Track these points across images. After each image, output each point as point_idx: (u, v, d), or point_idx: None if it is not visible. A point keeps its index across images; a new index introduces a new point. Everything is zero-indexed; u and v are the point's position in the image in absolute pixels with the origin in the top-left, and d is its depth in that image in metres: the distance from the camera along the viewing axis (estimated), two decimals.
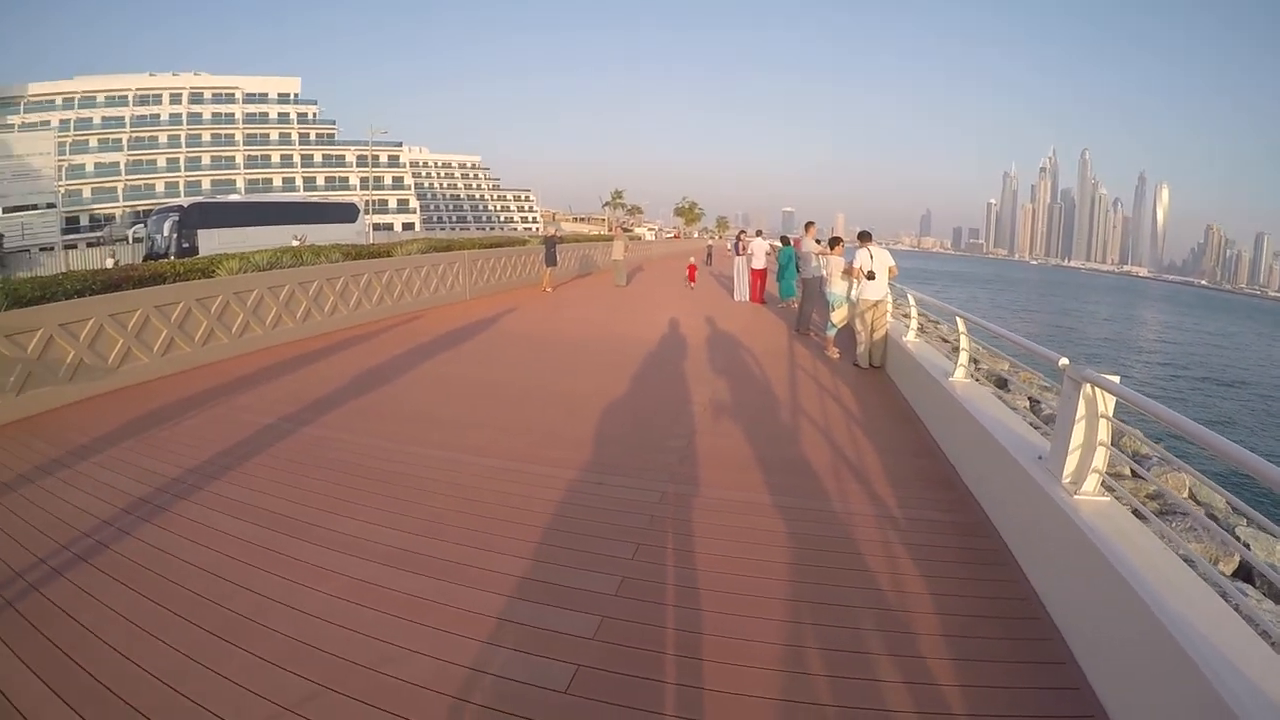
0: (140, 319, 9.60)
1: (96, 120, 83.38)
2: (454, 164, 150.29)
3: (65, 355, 8.53)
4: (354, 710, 3.28)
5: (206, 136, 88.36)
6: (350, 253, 16.33)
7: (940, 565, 4.85)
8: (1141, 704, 3.22)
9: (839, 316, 12.62)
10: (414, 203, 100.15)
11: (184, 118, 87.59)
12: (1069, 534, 4.10)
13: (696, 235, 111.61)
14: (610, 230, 56.44)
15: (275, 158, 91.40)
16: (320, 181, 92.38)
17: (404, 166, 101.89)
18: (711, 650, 3.77)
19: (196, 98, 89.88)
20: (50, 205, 53.08)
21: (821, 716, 3.33)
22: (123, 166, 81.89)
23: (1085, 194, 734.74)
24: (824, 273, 13.80)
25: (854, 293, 11.76)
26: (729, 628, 3.99)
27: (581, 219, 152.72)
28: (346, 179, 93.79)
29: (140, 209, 71.69)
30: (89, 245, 55.20)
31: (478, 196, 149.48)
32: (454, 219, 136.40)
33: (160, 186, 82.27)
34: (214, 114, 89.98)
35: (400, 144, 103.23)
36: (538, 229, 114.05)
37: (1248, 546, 9.65)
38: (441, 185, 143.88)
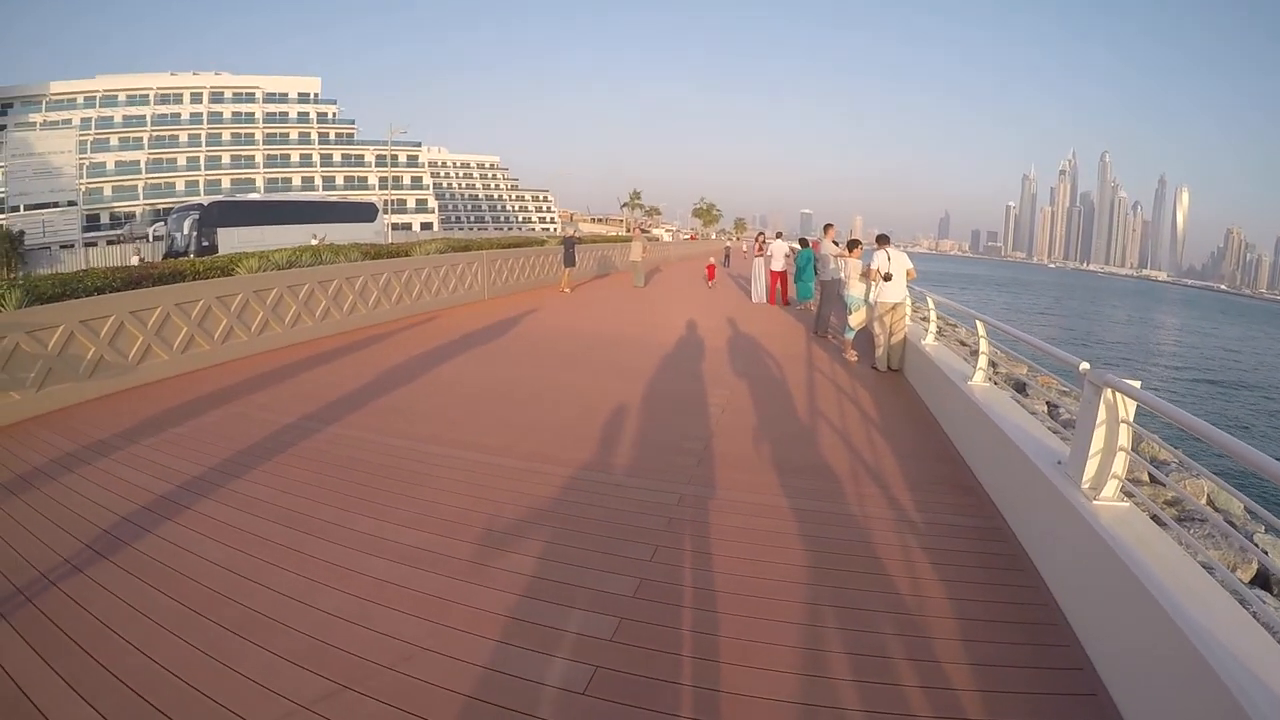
0: (160, 316, 9.66)
1: (118, 119, 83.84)
2: (473, 164, 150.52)
3: (85, 352, 8.59)
4: (371, 709, 3.29)
5: (227, 136, 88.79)
6: (369, 252, 16.38)
7: (958, 570, 4.83)
8: (1159, 711, 3.20)
9: (857, 319, 12.58)
10: (432, 203, 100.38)
11: (204, 117, 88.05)
12: (1088, 540, 4.08)
13: (714, 236, 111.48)
14: (629, 231, 56.48)
15: (295, 157, 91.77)
16: (339, 181, 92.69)
17: (423, 166, 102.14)
18: (729, 653, 3.77)
19: (217, 97, 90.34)
20: (71, 203, 53.55)
21: None
22: (143, 165, 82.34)
23: (1105, 197, 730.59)
24: (842, 275, 13.76)
25: (872, 295, 11.72)
26: (747, 631, 3.98)
27: (599, 220, 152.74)
28: (365, 179, 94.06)
29: (160, 207, 72.19)
30: (109, 243, 55.61)
31: (496, 197, 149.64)
32: (472, 219, 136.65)
33: (180, 185, 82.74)
34: (234, 113, 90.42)
35: (419, 144, 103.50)
36: (556, 230, 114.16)
37: (1266, 553, 9.58)
38: (460, 185, 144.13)
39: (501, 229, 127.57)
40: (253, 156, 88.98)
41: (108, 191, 79.86)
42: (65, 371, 8.33)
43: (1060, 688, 3.64)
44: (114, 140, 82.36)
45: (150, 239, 44.93)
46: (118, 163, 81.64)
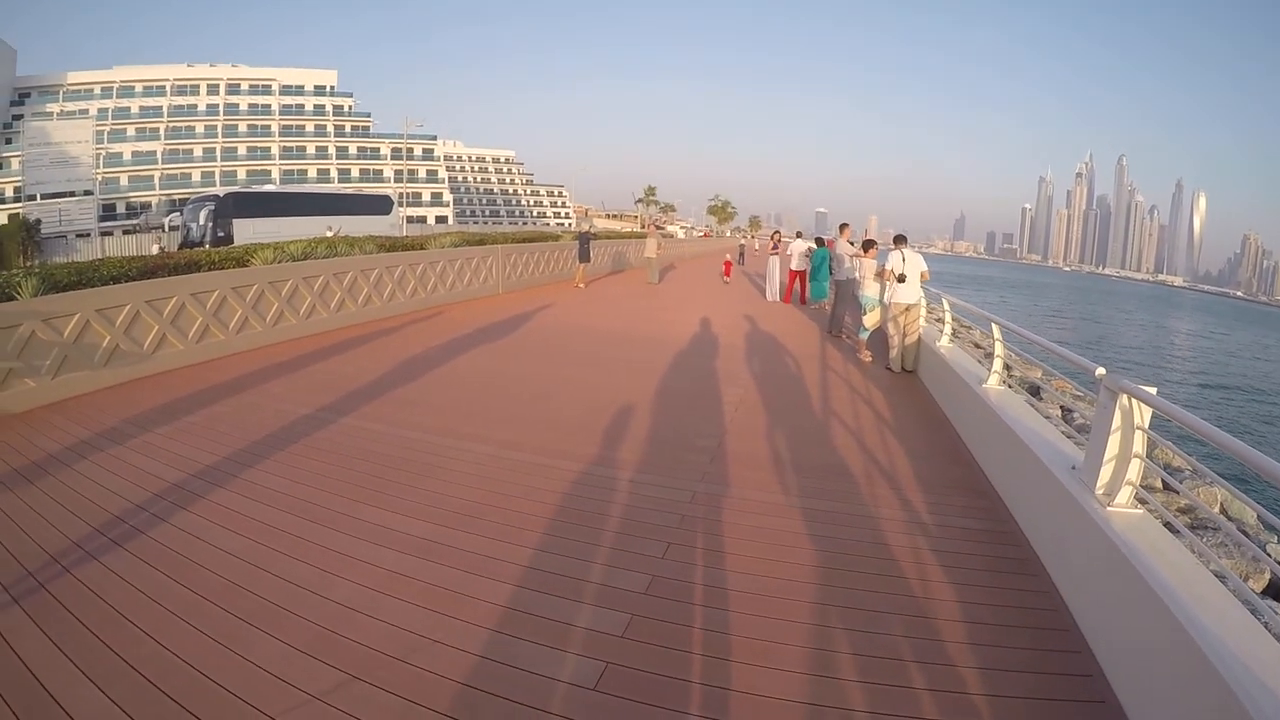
0: (176, 306, 9.70)
1: (134, 110, 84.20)
2: (488, 158, 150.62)
3: (101, 340, 8.63)
4: (381, 700, 3.30)
5: (243, 127, 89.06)
6: (384, 244, 16.41)
7: (970, 573, 4.82)
8: (1167, 718, 3.18)
9: (872, 320, 12.55)
10: (447, 196, 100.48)
11: (221, 108, 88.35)
12: (1101, 546, 4.06)
13: (729, 234, 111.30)
14: (644, 227, 56.55)
15: (310, 149, 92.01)
16: (355, 173, 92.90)
17: (438, 160, 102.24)
18: (740, 651, 3.77)
19: (234, 89, 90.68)
20: (88, 192, 53.85)
21: None
22: (159, 155, 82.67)
23: (1121, 201, 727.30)
24: (857, 275, 13.74)
25: (886, 296, 11.69)
26: (757, 629, 3.98)
27: (614, 215, 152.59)
28: (381, 171, 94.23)
29: (176, 197, 72.53)
30: (125, 232, 55.86)
31: (511, 191, 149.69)
32: (487, 213, 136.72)
33: (196, 176, 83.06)
34: (250, 105, 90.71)
35: (435, 137, 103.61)
36: (570, 225, 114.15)
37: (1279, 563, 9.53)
38: (475, 179, 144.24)
39: (516, 224, 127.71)
40: (268, 148, 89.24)
41: (124, 181, 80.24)
42: (81, 359, 8.38)
43: (1069, 694, 3.63)
44: (130, 131, 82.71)
45: (166, 229, 45.15)
46: (134, 153, 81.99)
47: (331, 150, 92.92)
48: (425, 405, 8.38)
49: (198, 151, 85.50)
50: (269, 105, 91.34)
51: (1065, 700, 3.58)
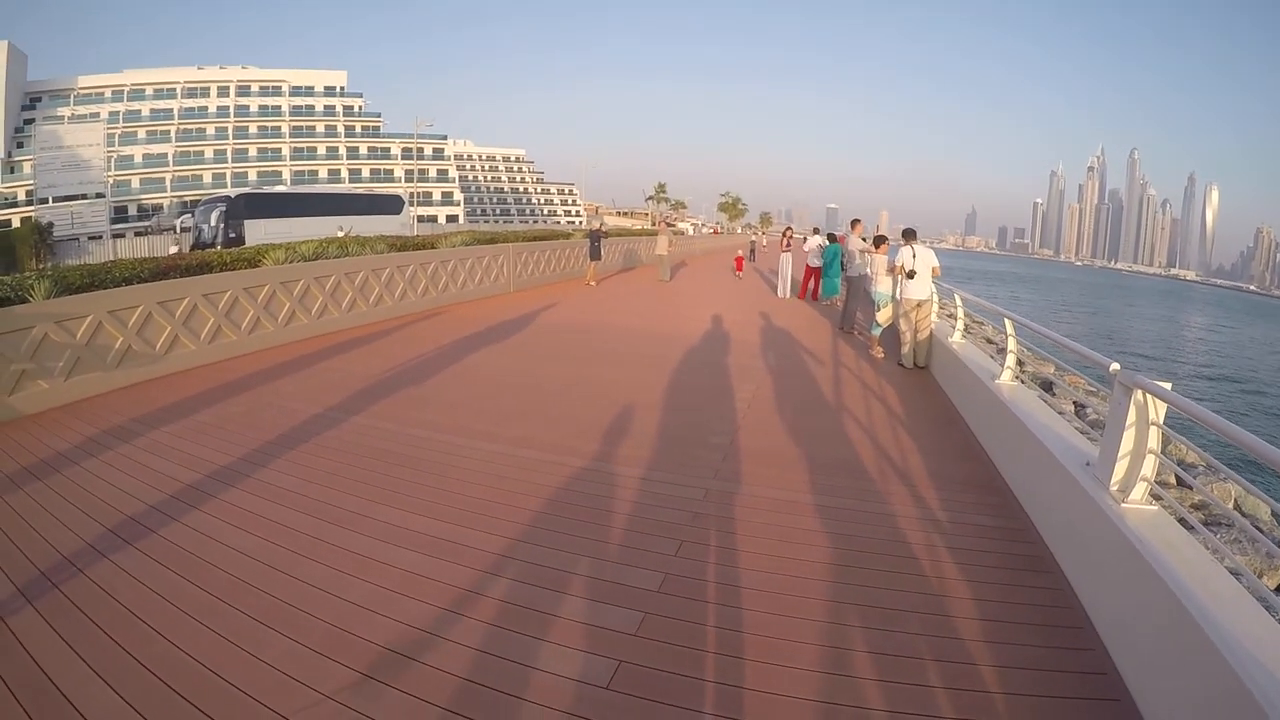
0: (188, 307, 9.74)
1: (145, 112, 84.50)
2: (498, 157, 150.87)
3: (113, 342, 8.68)
4: (394, 698, 3.30)
5: (253, 129, 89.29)
6: (395, 244, 16.45)
7: (984, 570, 4.80)
8: (1182, 716, 3.17)
9: (884, 316, 12.52)
10: (458, 195, 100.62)
11: (231, 110, 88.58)
12: (1115, 543, 4.04)
13: (740, 231, 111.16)
14: (656, 225, 56.61)
15: (321, 150, 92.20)
16: (365, 173, 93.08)
17: (448, 159, 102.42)
18: (753, 649, 3.76)
19: (244, 90, 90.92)
20: (99, 195, 54.11)
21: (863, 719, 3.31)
22: (170, 158, 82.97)
23: (1134, 195, 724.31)
24: (868, 271, 13.71)
25: (897, 292, 11.66)
26: (770, 627, 3.97)
27: (625, 213, 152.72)
28: (391, 171, 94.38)
29: (188, 199, 72.81)
30: (137, 234, 56.11)
31: (521, 190, 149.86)
32: (498, 212, 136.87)
33: (207, 177, 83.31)
34: (261, 106, 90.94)
35: (445, 137, 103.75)
36: (581, 223, 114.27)
37: None
38: (485, 178, 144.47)
39: (527, 222, 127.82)
40: (279, 149, 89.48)
41: (135, 184, 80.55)
42: (93, 361, 8.42)
43: (1083, 692, 3.61)
44: (141, 133, 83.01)
45: (178, 231, 45.35)
46: (145, 155, 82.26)
47: (342, 151, 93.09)
48: (437, 403, 8.40)
49: (208, 153, 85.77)
50: (279, 106, 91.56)
51: (1079, 698, 3.56)
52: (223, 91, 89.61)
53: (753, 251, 41.68)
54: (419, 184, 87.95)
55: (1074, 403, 15.45)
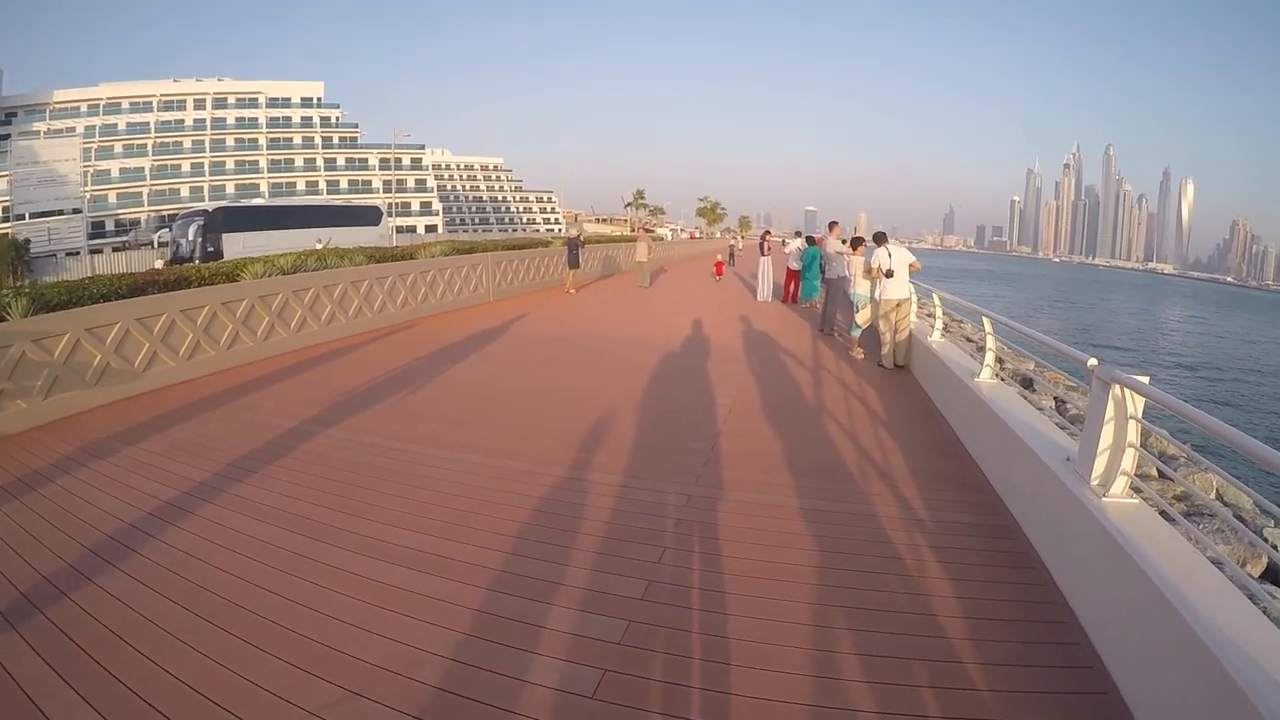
0: (166, 323, 9.69)
1: (121, 126, 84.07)
2: (476, 166, 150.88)
3: (92, 359, 8.62)
4: (382, 715, 3.29)
5: (230, 141, 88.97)
6: (374, 255, 16.44)
7: (967, 568, 4.82)
8: (1170, 707, 3.20)
9: (863, 317, 12.58)
10: (437, 205, 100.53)
11: (208, 123, 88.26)
12: (1097, 537, 4.07)
13: (719, 235, 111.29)
14: (634, 231, 56.60)
15: (299, 161, 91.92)
16: (343, 185, 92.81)
17: (426, 169, 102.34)
18: (738, 655, 3.76)
19: (220, 103, 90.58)
20: (76, 210, 53.62)
21: None
22: (148, 171, 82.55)
23: (1110, 190, 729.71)
24: (847, 272, 13.76)
25: (877, 292, 11.71)
26: (755, 632, 3.97)
27: (604, 219, 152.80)
28: (369, 182, 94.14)
29: (165, 213, 72.45)
30: (115, 250, 55.76)
31: (500, 198, 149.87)
32: (477, 221, 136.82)
33: (185, 191, 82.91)
34: (238, 119, 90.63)
35: (423, 146, 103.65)
36: (560, 230, 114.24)
37: (1276, 548, 9.55)
38: (464, 187, 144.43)
39: (506, 230, 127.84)
40: (257, 161, 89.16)
41: (112, 198, 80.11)
42: (72, 379, 8.36)
43: (1071, 686, 3.63)
44: (118, 147, 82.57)
45: (155, 245, 45.12)
46: (122, 170, 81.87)
47: (320, 162, 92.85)
48: (417, 416, 8.37)
49: (186, 167, 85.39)
50: (256, 119, 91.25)
51: (1067, 692, 3.58)
52: (199, 104, 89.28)
53: (732, 256, 41.85)
54: (397, 194, 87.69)
55: (1054, 398, 15.54)
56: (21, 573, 4.55)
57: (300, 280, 12.63)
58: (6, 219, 59.26)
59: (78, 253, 49.80)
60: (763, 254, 23.65)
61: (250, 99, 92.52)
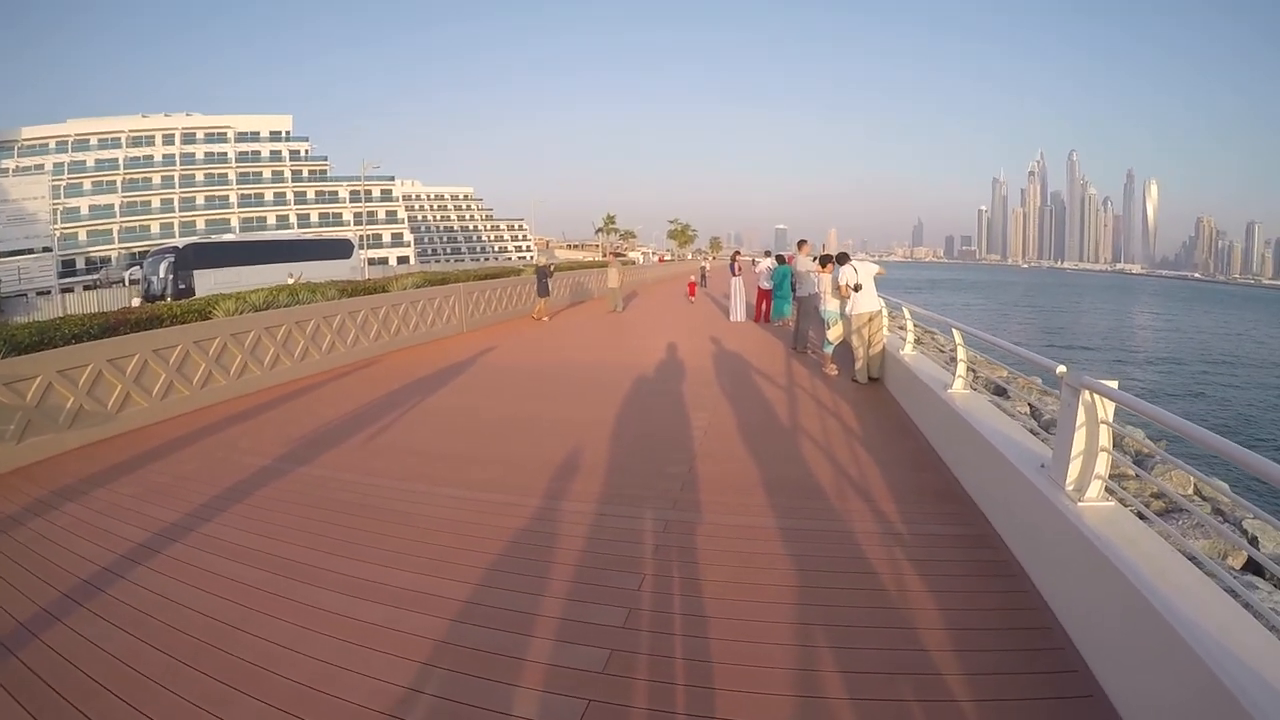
0: (138, 363, 9.62)
1: (90, 163, 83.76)
2: (447, 196, 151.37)
3: (64, 402, 8.54)
4: None
5: (200, 176, 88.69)
6: (346, 289, 16.37)
7: (948, 579, 4.85)
8: (1156, 707, 3.22)
9: (835, 333, 12.64)
10: (408, 236, 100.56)
11: (177, 158, 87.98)
12: (1074, 542, 4.10)
13: (690, 257, 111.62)
14: (605, 256, 56.73)
15: (269, 195, 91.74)
16: (314, 218, 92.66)
17: (397, 200, 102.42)
18: (722, 678, 3.76)
19: (189, 138, 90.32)
20: (46, 249, 53.16)
21: None
22: (117, 208, 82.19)
23: (1075, 195, 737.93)
24: (818, 289, 13.83)
25: (848, 308, 11.77)
26: (739, 655, 3.97)
27: (575, 245, 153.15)
28: (340, 214, 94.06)
29: (136, 250, 71.99)
30: (86, 288, 55.31)
31: (471, 228, 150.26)
32: (448, 251, 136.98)
33: (155, 227, 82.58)
34: (207, 153, 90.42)
35: (393, 178, 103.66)
36: (532, 258, 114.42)
37: (1255, 539, 9.63)
38: (435, 218, 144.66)
39: (478, 259, 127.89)
40: (227, 196, 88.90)
41: (82, 236, 79.67)
42: (45, 423, 8.27)
43: (1056, 691, 3.65)
44: (87, 185, 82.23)
45: (127, 283, 44.83)
46: (92, 207, 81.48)
47: (290, 196, 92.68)
48: (393, 451, 8.32)
49: (155, 203, 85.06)
50: (225, 153, 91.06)
51: (1053, 698, 3.60)
52: (168, 139, 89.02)
53: (703, 277, 42.15)
54: (368, 226, 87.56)
55: (1028, 405, 15.66)
56: (0, 622, 4.50)
57: (272, 317, 12.57)
58: None
59: (49, 292, 49.34)
60: (734, 274, 23.76)
61: (219, 133, 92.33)
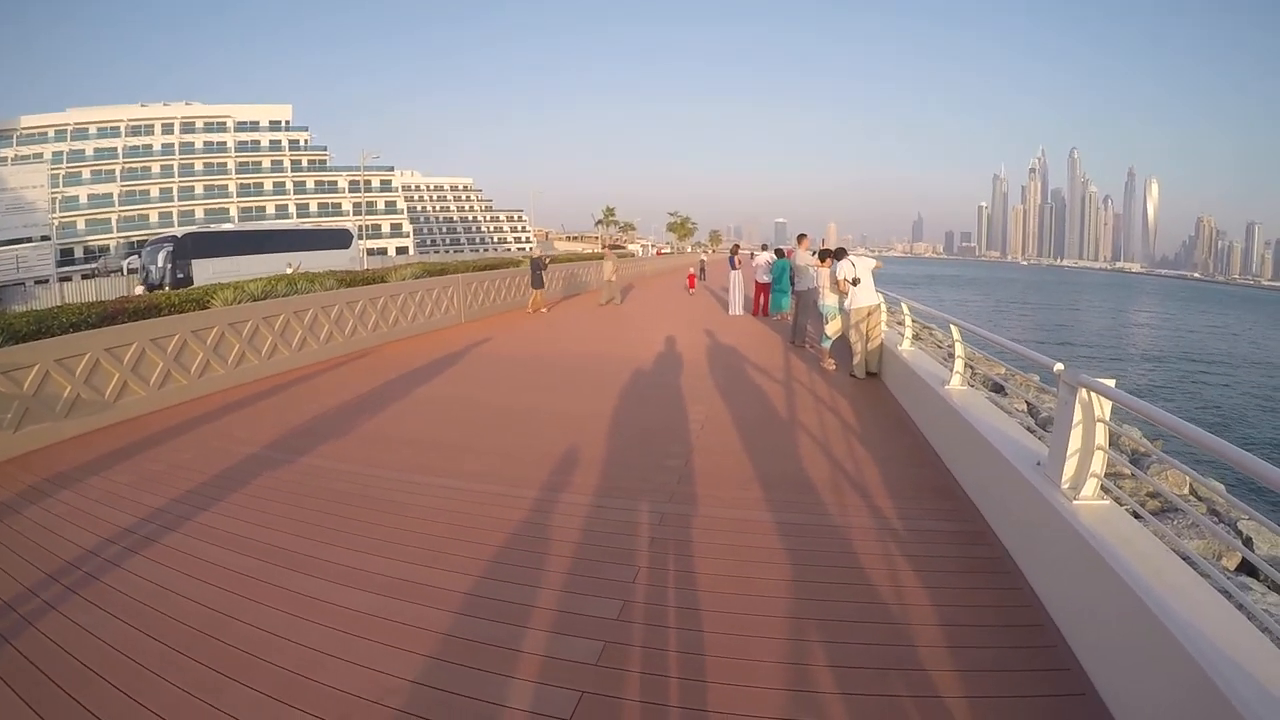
0: (136, 352, 9.60)
1: (89, 152, 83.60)
2: (446, 187, 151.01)
3: (62, 391, 8.52)
4: None
5: (199, 166, 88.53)
6: (344, 279, 16.34)
7: (942, 575, 4.84)
8: (1149, 707, 3.22)
9: (833, 328, 12.62)
10: (407, 226, 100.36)
11: (176, 147, 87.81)
12: (1069, 540, 4.10)
13: (689, 250, 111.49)
14: (602, 249, 56.78)
15: (268, 185, 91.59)
16: (313, 208, 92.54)
17: (396, 191, 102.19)
18: (716, 672, 3.76)
19: (188, 127, 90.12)
20: (45, 238, 53.18)
21: None
22: (116, 198, 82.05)
23: (1075, 193, 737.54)
24: (817, 284, 13.82)
25: (846, 303, 11.76)
26: (733, 649, 3.97)
27: (574, 237, 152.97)
28: (339, 204, 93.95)
29: (134, 240, 71.89)
30: (84, 277, 55.26)
31: (470, 218, 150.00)
32: (448, 241, 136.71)
33: (154, 217, 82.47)
34: (206, 143, 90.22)
35: (392, 168, 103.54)
36: (531, 249, 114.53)
37: (1250, 540, 9.62)
38: (434, 208, 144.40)
39: (477, 250, 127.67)
40: (226, 186, 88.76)
41: (81, 225, 79.52)
42: (42, 411, 8.27)
43: (1049, 689, 3.65)
44: (86, 173, 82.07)
45: (125, 272, 44.78)
46: (90, 196, 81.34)
47: (289, 186, 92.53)
48: (389, 441, 8.33)
49: (154, 192, 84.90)
50: (224, 143, 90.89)
51: (1046, 695, 3.61)
52: (167, 129, 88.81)
53: (702, 269, 42.16)
54: (367, 216, 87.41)
55: (1026, 402, 15.65)
56: None
57: (271, 306, 12.55)
58: None
59: (46, 281, 49.33)
60: (733, 268, 23.71)
61: (218, 123, 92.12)
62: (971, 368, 8.17)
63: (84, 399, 8.80)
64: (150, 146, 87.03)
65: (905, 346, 10.50)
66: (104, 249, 77.13)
